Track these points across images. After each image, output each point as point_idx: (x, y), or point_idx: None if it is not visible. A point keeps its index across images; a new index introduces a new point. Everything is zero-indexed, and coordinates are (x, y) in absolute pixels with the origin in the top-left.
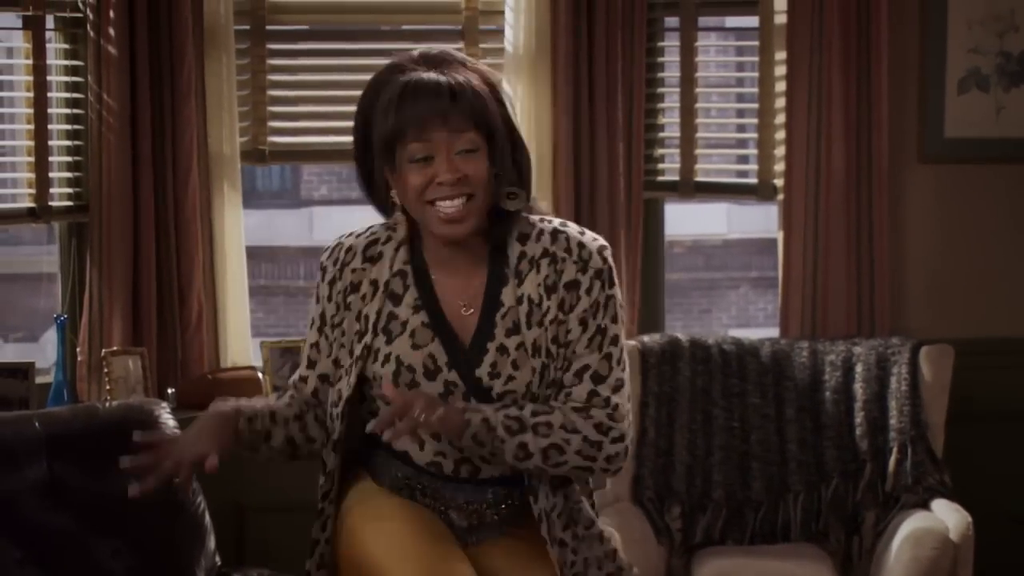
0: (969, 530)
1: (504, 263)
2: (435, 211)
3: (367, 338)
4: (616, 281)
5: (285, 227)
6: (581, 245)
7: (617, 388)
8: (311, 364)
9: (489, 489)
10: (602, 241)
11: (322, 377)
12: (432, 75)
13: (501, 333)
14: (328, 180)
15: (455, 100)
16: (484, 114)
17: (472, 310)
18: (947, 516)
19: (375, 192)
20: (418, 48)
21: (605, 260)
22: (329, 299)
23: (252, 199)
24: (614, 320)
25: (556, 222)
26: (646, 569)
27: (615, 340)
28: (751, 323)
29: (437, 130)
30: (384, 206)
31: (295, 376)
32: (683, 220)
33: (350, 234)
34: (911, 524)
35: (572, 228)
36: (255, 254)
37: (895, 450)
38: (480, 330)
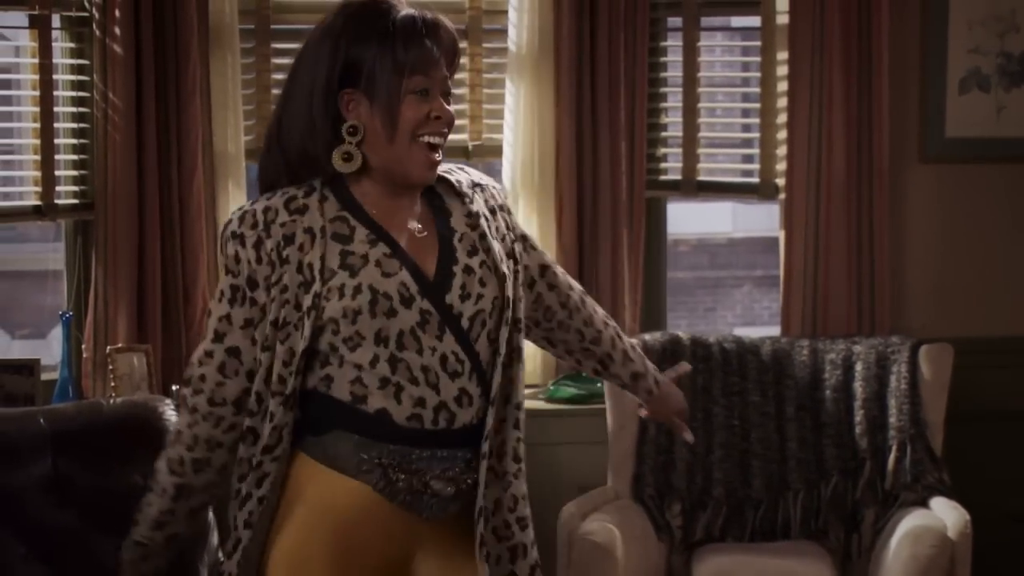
0: (967, 528)
1: (437, 198)
2: (420, 149)
3: (316, 286)
4: None
5: None
6: (482, 177)
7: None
8: (218, 337)
9: (459, 452)
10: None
11: (230, 351)
12: (437, 16)
13: (463, 255)
14: None
15: (454, 49)
16: (457, 63)
17: (426, 233)
18: (946, 514)
19: (312, 130)
20: None
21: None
22: (259, 261)
23: (254, 194)
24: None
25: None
26: (647, 566)
27: (528, 236)
28: (756, 321)
29: (439, 68)
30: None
31: (199, 353)
32: (688, 219)
33: (252, 203)
34: (910, 522)
35: (462, 166)
36: None
37: (894, 448)
38: (443, 256)
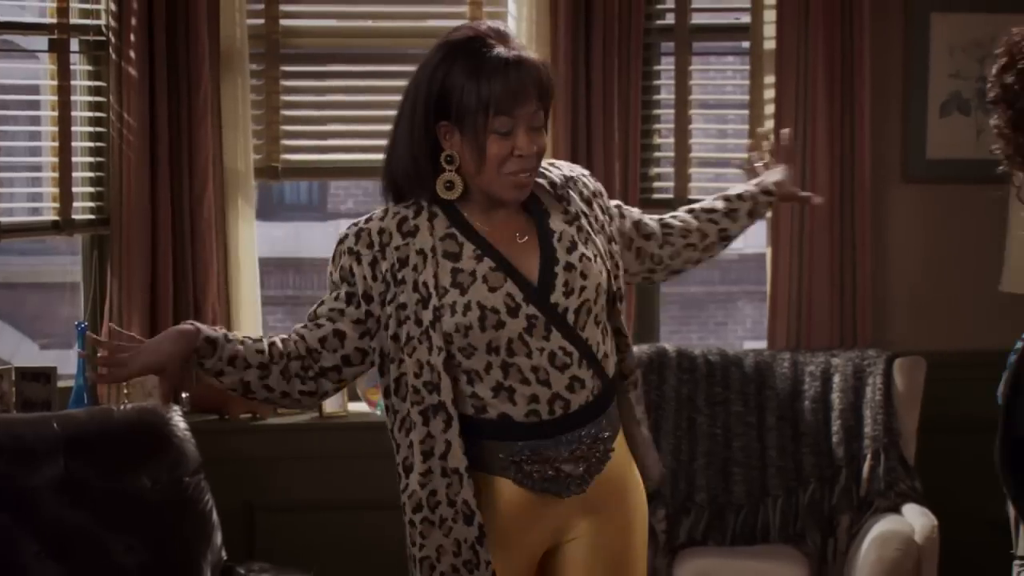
0: (934, 533)
1: (536, 202)
2: (509, 178)
3: (433, 301)
4: None
5: (312, 239)
6: (572, 168)
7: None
8: (331, 319)
9: (583, 432)
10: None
11: (337, 333)
12: (524, 55)
13: (563, 254)
14: (354, 194)
15: (543, 84)
16: (551, 96)
17: (526, 236)
18: (915, 520)
19: (425, 151)
20: (483, 23)
21: (590, 171)
22: (375, 279)
23: (280, 212)
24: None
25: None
26: None
27: (620, 204)
28: (766, 336)
29: (524, 107)
30: (411, 176)
31: (312, 311)
32: None
33: (368, 219)
34: (880, 527)
35: (553, 160)
36: (283, 265)
37: (869, 457)
38: (545, 259)
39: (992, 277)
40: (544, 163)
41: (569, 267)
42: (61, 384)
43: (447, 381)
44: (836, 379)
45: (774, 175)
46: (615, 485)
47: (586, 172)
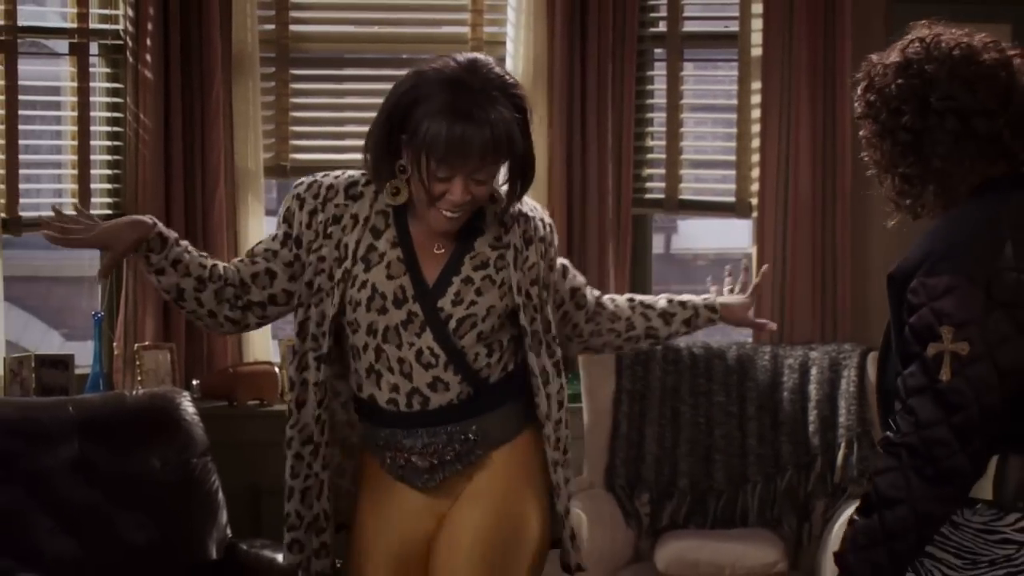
0: None
1: (480, 218)
2: (437, 213)
3: (347, 263)
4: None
5: None
6: (535, 209)
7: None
8: (265, 257)
9: (442, 430)
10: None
11: (268, 272)
12: (480, 114)
13: (468, 268)
14: None
15: (494, 144)
16: (507, 151)
17: (443, 250)
18: None
19: (385, 153)
20: (463, 56)
21: (550, 217)
22: (308, 226)
23: None
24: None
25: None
26: (614, 549)
27: (567, 263)
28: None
29: (465, 164)
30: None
31: (251, 248)
32: (706, 235)
33: (325, 175)
34: (851, 511)
35: (528, 200)
36: None
37: (843, 445)
38: (448, 267)
39: None
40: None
41: (468, 280)
42: (79, 371)
43: (331, 336)
44: (813, 371)
45: (731, 298)
46: (487, 487)
47: (546, 219)
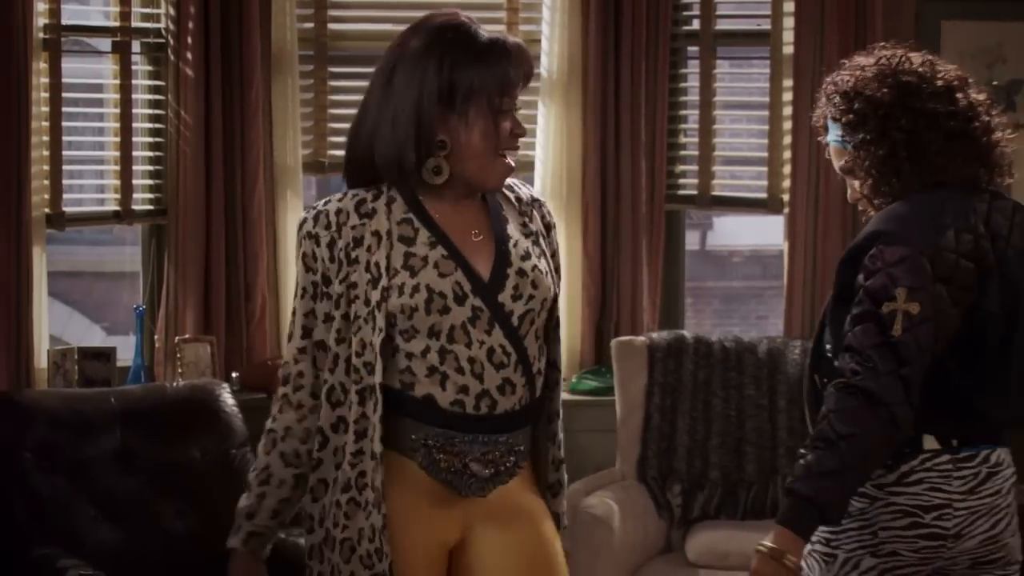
0: None
1: (498, 205)
2: (502, 162)
3: (383, 281)
4: None
5: None
6: (539, 195)
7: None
8: (307, 333)
9: (500, 437)
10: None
11: (318, 344)
12: (516, 41)
13: (517, 259)
14: None
15: (531, 69)
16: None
17: (482, 236)
18: None
19: (401, 141)
20: (454, 12)
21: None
22: (332, 260)
23: None
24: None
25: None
26: (645, 539)
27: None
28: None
29: (517, 90)
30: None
31: (291, 351)
32: (742, 231)
33: (326, 202)
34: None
35: (524, 183)
36: None
37: None
38: (499, 259)
39: None
40: (515, 180)
41: (521, 272)
42: (120, 364)
43: (380, 364)
44: None
45: None
46: (519, 504)
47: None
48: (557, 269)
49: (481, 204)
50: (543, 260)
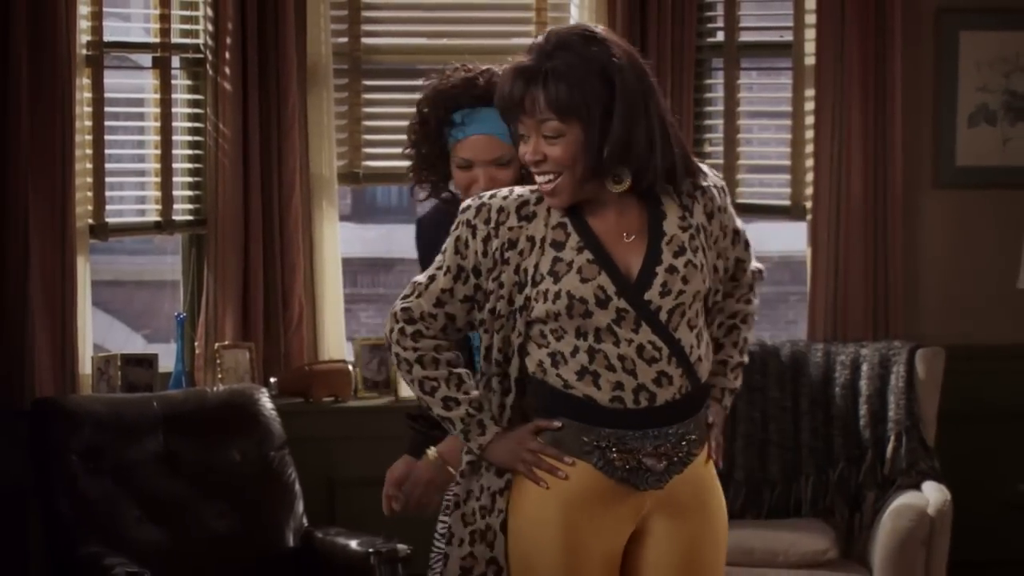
0: (946, 506)
1: (658, 202)
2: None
3: (527, 289)
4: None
5: (402, 240)
6: (706, 174)
7: (752, 255)
8: (440, 304)
9: (669, 429)
10: (704, 165)
11: (448, 316)
12: (527, 63)
13: (668, 256)
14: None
15: (540, 86)
16: (569, 103)
17: (633, 236)
18: (931, 495)
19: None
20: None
21: (721, 178)
22: (484, 254)
23: (373, 214)
24: (734, 216)
25: None
26: None
27: (742, 229)
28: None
29: (526, 116)
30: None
31: (421, 307)
32: (771, 238)
33: (492, 195)
34: (899, 501)
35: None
36: (375, 265)
37: (892, 439)
38: (648, 258)
39: (1011, 275)
40: (701, 166)
41: (672, 269)
42: (162, 370)
43: (518, 361)
44: (864, 368)
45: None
46: (695, 488)
47: (719, 182)
48: (746, 244)
49: (641, 203)
50: (700, 253)
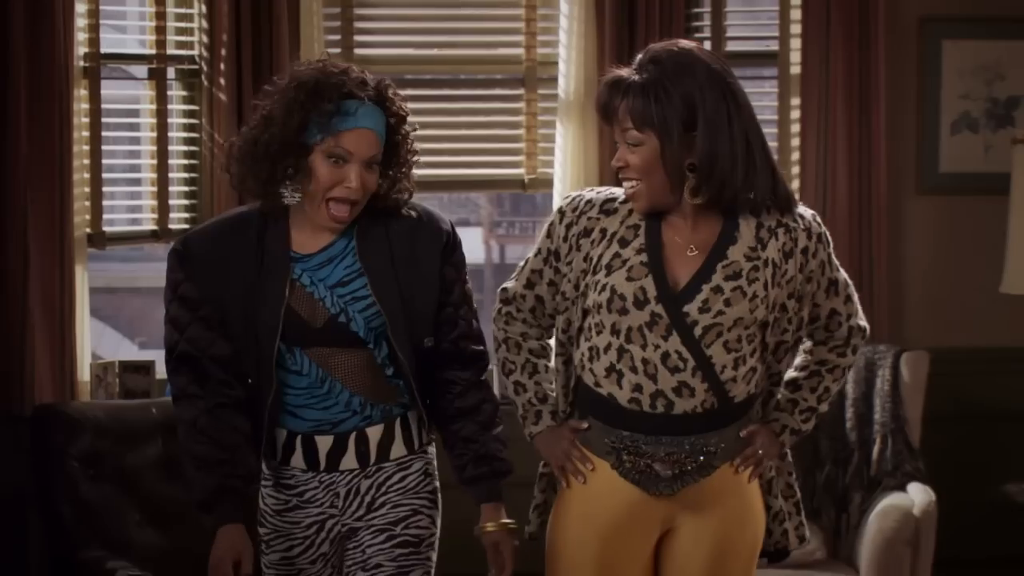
0: (931, 507)
1: (735, 227)
2: None
3: (589, 276)
4: (830, 239)
5: None
6: (802, 216)
7: (858, 310)
8: (530, 285)
9: (685, 440)
10: (812, 211)
11: (538, 298)
12: (622, 74)
13: (719, 277)
14: (432, 204)
15: (624, 98)
16: (645, 115)
17: (697, 252)
18: (916, 496)
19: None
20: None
21: (821, 225)
22: (564, 239)
23: None
24: (838, 269)
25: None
26: None
27: (845, 283)
28: None
29: (614, 124)
30: None
31: (514, 289)
32: None
33: (591, 189)
34: (884, 502)
35: (802, 209)
36: None
37: (878, 441)
38: (699, 274)
39: (994, 279)
40: (801, 209)
41: (718, 290)
42: (159, 376)
43: (575, 347)
44: (850, 371)
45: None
46: (719, 492)
47: (815, 228)
48: (847, 299)
49: (721, 222)
50: (758, 285)
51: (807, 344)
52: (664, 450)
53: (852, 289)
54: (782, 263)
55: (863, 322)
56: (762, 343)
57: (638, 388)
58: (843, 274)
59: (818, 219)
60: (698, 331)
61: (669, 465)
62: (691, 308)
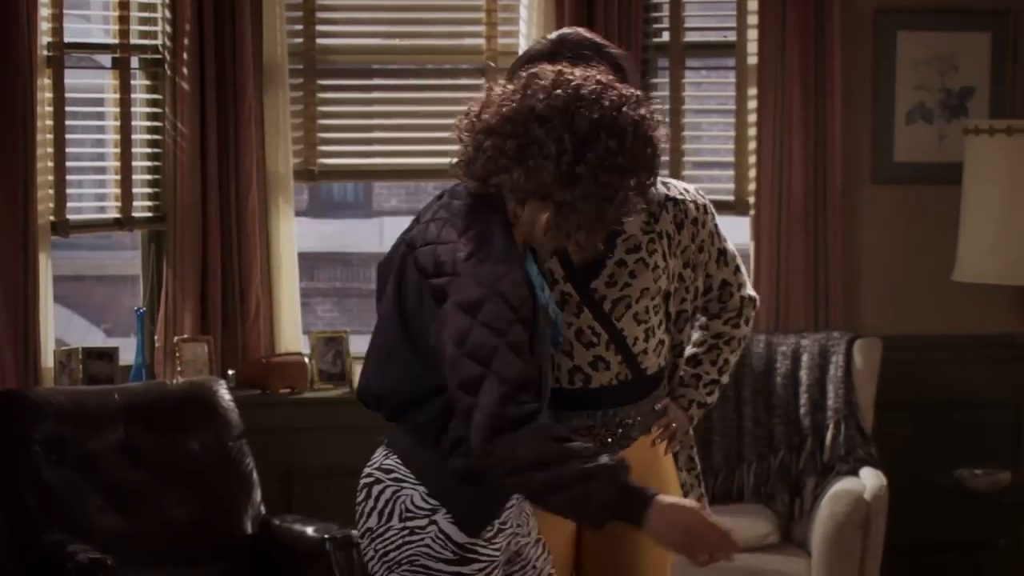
0: (882, 491)
1: None
2: None
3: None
4: (714, 211)
5: (358, 235)
6: (687, 189)
7: (746, 282)
8: None
9: (602, 413)
10: (694, 186)
11: None
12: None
13: (621, 251)
14: (397, 193)
15: None
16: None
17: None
18: (868, 480)
19: None
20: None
21: (704, 196)
22: None
23: (329, 209)
24: (724, 240)
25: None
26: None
27: (733, 254)
28: None
29: None
30: None
31: None
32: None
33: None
34: (836, 487)
35: (673, 180)
36: (331, 259)
37: (831, 426)
38: (602, 252)
39: (946, 268)
40: (668, 180)
41: (621, 263)
42: (122, 363)
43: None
44: (804, 358)
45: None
46: (638, 472)
47: (700, 200)
48: (736, 269)
49: None
50: (657, 256)
51: (702, 320)
52: (583, 422)
53: (740, 260)
54: (675, 234)
55: (753, 292)
56: (666, 314)
57: (557, 367)
58: (730, 245)
59: (701, 192)
60: (607, 305)
61: (590, 439)
62: (598, 284)
